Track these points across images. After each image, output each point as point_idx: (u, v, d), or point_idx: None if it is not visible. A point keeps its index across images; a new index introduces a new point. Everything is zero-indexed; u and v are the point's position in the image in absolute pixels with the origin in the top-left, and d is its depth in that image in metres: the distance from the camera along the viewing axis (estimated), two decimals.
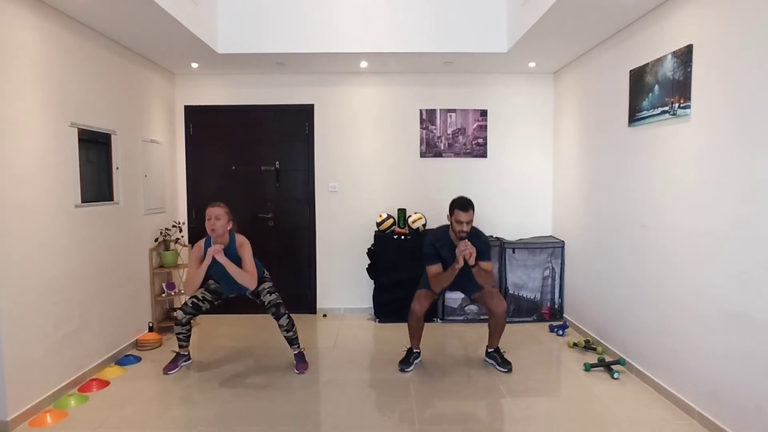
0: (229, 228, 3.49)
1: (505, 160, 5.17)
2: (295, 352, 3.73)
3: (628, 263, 3.64)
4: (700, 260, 2.83)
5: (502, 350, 3.72)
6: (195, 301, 3.62)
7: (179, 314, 3.60)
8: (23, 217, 2.91)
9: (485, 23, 4.28)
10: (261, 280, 3.65)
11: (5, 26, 2.79)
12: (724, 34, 2.64)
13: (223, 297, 3.71)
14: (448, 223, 3.54)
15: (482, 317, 4.88)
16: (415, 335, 3.70)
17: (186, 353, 3.74)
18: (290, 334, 3.66)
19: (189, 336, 3.71)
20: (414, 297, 3.66)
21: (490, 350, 3.72)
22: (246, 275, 3.43)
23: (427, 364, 3.79)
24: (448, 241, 3.51)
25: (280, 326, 3.63)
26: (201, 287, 3.57)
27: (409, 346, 3.78)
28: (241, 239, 3.53)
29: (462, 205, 3.41)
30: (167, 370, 3.61)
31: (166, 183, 4.85)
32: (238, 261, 3.48)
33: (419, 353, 3.77)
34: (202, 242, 3.53)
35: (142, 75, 4.40)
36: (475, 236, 3.46)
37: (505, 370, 3.60)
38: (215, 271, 3.50)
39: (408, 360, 3.69)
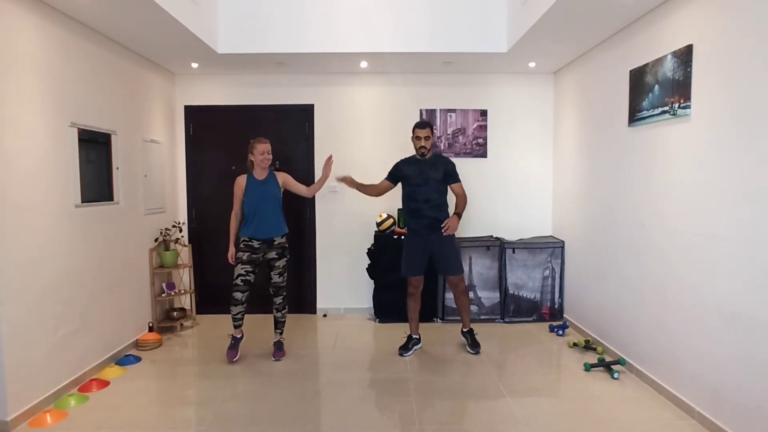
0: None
1: (505, 160, 5.17)
2: (276, 339, 3.98)
3: (628, 263, 3.64)
4: (700, 260, 2.83)
5: (475, 332, 4.06)
6: (241, 277, 3.78)
7: (237, 295, 3.78)
8: (23, 217, 2.91)
9: (485, 23, 4.28)
10: (282, 249, 3.90)
11: (5, 26, 2.79)
12: (724, 34, 2.64)
13: (258, 262, 3.83)
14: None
15: (482, 317, 4.89)
16: (414, 318, 4.03)
17: (240, 334, 3.91)
18: (279, 314, 3.95)
19: (244, 315, 3.88)
20: (408, 283, 4.02)
21: (464, 330, 4.08)
22: (306, 189, 4.03)
23: (427, 363, 3.79)
24: (414, 159, 3.96)
25: (275, 302, 3.92)
26: (238, 264, 3.78)
27: (408, 332, 4.09)
28: (283, 175, 3.97)
29: (420, 123, 3.94)
30: (231, 357, 3.79)
31: (166, 183, 4.85)
32: (275, 196, 3.85)
33: (419, 339, 4.08)
34: (243, 178, 3.87)
35: (142, 75, 4.40)
36: (440, 158, 4.02)
37: (474, 351, 3.94)
38: (252, 202, 3.78)
39: (407, 345, 4.01)
